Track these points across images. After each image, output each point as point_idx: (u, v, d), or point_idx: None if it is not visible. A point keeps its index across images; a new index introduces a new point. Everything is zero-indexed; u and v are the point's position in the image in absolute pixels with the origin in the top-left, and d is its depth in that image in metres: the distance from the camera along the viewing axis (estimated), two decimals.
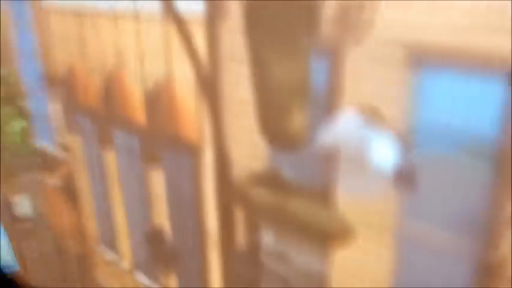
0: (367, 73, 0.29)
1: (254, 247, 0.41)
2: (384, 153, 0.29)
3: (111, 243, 0.74)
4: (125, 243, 0.71)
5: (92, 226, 0.80)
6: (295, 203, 0.37)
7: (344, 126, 0.30)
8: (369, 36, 0.27)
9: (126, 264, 0.71)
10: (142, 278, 0.69)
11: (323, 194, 0.33)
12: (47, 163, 0.86)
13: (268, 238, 0.40)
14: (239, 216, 0.42)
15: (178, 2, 0.38)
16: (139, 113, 0.54)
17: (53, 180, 0.87)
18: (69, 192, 0.82)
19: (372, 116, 0.29)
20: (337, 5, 0.28)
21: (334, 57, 0.29)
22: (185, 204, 0.51)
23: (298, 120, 0.32)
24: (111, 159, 0.66)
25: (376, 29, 0.27)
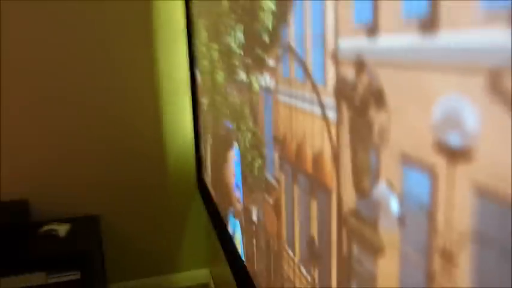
0: (386, 163, 0.36)
1: (350, 256, 0.49)
2: (395, 206, 0.36)
3: (291, 244, 0.90)
4: (297, 245, 0.87)
5: (284, 232, 0.99)
6: (367, 230, 0.44)
7: (380, 189, 0.38)
8: (388, 141, 0.34)
9: (296, 259, 0.87)
10: (303, 270, 0.84)
11: (376, 226, 0.40)
12: (267, 188, 1.09)
13: (356, 250, 0.48)
14: (344, 235, 0.51)
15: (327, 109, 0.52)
16: (309, 166, 0.71)
17: (269, 199, 1.09)
18: (276, 209, 1.03)
19: (391, 185, 0.35)
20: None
21: (377, 151, 0.37)
22: (324, 225, 0.63)
23: (367, 182, 0.41)
24: (295, 191, 0.85)
25: (390, 138, 0.33)
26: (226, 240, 1.37)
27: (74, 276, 1.81)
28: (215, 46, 1.29)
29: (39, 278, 1.79)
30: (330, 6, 0.48)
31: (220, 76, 1.25)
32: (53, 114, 1.98)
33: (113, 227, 2.14)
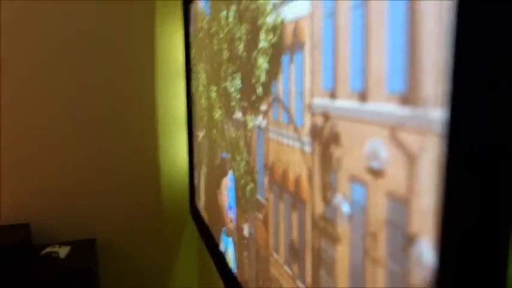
0: (341, 181, 0.47)
1: (319, 248, 0.59)
2: (347, 209, 0.48)
3: (277, 249, 1.00)
4: (281, 248, 0.97)
5: (271, 241, 1.09)
6: (330, 227, 0.56)
7: (337, 199, 0.50)
8: (342, 167, 0.45)
9: (281, 261, 0.95)
10: (286, 268, 0.93)
11: (336, 223, 0.50)
12: (258, 206, 1.18)
13: (323, 243, 0.58)
14: (316, 234, 0.61)
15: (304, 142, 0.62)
16: (291, 186, 0.84)
17: (259, 215, 1.18)
18: (265, 222, 1.12)
19: (344, 195, 0.46)
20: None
21: (336, 173, 0.48)
22: (302, 228, 0.74)
23: (330, 195, 0.51)
24: (281, 207, 0.96)
25: (343, 165, 0.44)
26: (218, 257, 1.54)
27: None
28: (213, 88, 1.51)
29: None
30: (307, 74, 0.71)
31: (217, 113, 1.47)
32: (53, 142, 2.16)
33: (109, 250, 2.29)
